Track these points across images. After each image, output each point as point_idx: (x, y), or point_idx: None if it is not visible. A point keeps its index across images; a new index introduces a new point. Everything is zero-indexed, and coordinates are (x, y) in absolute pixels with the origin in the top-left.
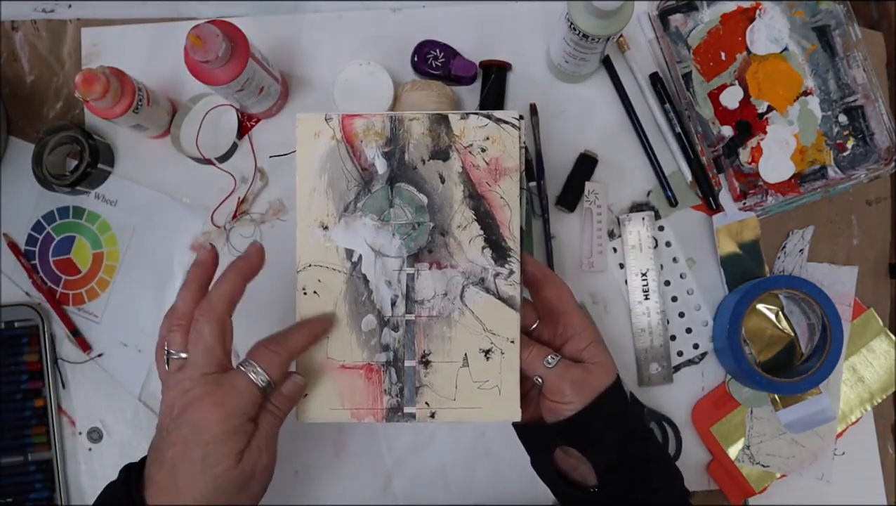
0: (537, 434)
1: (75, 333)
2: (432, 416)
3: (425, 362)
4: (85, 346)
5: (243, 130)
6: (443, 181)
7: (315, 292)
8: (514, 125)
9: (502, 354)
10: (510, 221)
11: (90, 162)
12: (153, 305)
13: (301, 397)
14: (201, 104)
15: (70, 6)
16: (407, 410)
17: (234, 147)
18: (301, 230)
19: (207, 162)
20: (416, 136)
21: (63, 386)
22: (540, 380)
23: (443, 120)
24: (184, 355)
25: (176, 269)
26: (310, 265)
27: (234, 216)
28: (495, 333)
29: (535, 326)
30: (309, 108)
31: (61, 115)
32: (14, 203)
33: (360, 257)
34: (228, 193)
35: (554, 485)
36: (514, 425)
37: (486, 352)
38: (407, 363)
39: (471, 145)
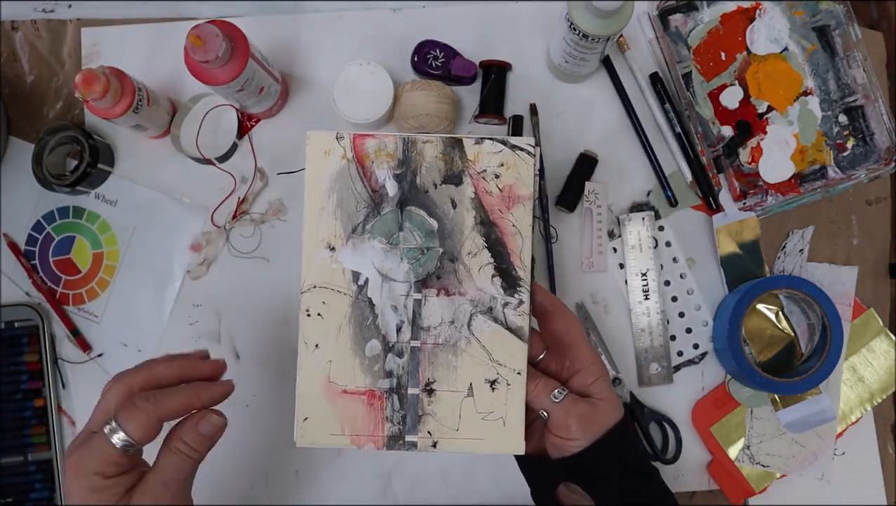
0: (540, 468)
1: (75, 333)
2: (434, 445)
3: (429, 391)
4: (85, 346)
5: (243, 130)
6: (454, 206)
7: (319, 315)
8: (529, 152)
9: (508, 385)
10: (521, 250)
11: (90, 162)
12: (153, 305)
13: (220, 432)
14: (201, 104)
15: (70, 6)
16: (408, 438)
17: (234, 147)
18: (307, 250)
19: (207, 162)
20: (429, 159)
21: (63, 386)
22: (546, 414)
23: (457, 144)
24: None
25: (176, 269)
26: (315, 287)
27: (234, 216)
28: (502, 363)
29: (541, 356)
30: (309, 108)
31: (61, 116)
32: (14, 203)
33: (366, 281)
34: (228, 193)
35: None
36: (517, 456)
37: (492, 383)
38: (410, 391)
39: (484, 171)
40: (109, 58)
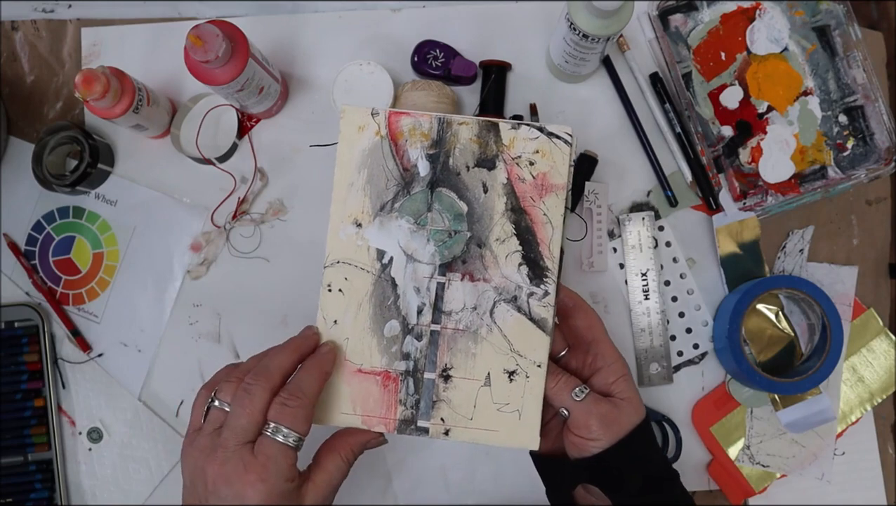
0: (558, 468)
1: (75, 333)
2: (447, 433)
3: (445, 377)
4: (85, 346)
5: (243, 130)
6: (485, 191)
7: (340, 291)
8: (566, 141)
9: (527, 377)
10: (551, 240)
11: (90, 162)
12: (153, 305)
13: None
14: (201, 104)
15: (70, 6)
16: (420, 423)
17: (234, 147)
18: (333, 225)
19: (207, 162)
20: (463, 141)
21: (63, 386)
22: (566, 412)
23: (493, 127)
24: (227, 408)
25: (176, 269)
26: (338, 262)
27: (234, 216)
28: (522, 354)
29: (563, 353)
30: (309, 108)
31: (61, 116)
32: (14, 203)
33: (390, 260)
34: (228, 193)
35: None
36: (533, 455)
37: (511, 373)
38: (426, 375)
39: (519, 157)
40: (109, 58)
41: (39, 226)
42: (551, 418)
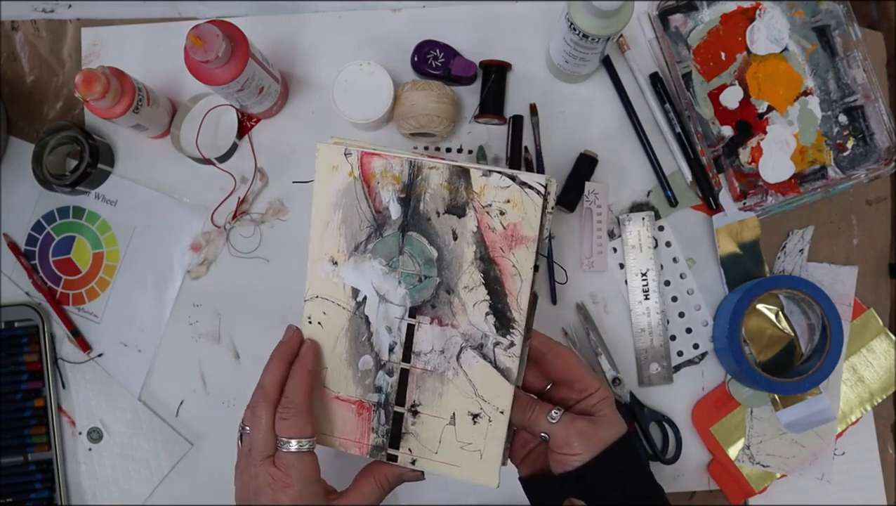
0: (545, 486)
1: (75, 333)
2: (413, 463)
3: (414, 412)
4: (85, 346)
5: (243, 130)
6: (455, 238)
7: (319, 323)
8: (538, 191)
9: (490, 421)
10: (519, 292)
11: (90, 162)
12: (153, 305)
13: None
14: (201, 104)
15: (70, 6)
16: (390, 451)
17: (234, 147)
18: (312, 261)
19: (207, 162)
20: (434, 186)
21: (63, 386)
22: (546, 436)
23: (463, 173)
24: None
25: (176, 269)
26: (317, 297)
27: (234, 216)
28: (486, 400)
29: (548, 388)
30: (309, 108)
31: (61, 116)
32: (14, 203)
33: (364, 298)
34: (228, 193)
35: None
36: (521, 479)
37: (475, 416)
38: (396, 409)
39: (489, 206)
40: (109, 58)
41: (39, 226)
42: (537, 444)
